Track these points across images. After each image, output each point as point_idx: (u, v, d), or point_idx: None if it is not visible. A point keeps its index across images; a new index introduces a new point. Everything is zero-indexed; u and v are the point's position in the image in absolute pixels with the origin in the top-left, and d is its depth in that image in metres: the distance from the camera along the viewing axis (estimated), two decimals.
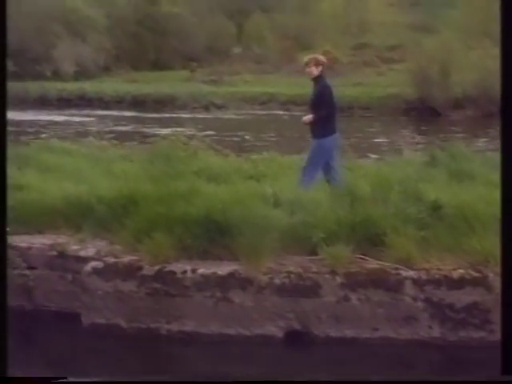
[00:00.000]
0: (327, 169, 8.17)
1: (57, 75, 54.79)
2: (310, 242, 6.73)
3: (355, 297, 6.35)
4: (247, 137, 27.84)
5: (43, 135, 24.72)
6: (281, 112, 41.83)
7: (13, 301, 6.96)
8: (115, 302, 6.62)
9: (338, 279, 6.38)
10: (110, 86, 51.76)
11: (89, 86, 50.94)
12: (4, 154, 3.74)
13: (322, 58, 8.42)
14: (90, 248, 6.98)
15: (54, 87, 50.09)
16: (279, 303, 6.43)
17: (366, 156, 12.28)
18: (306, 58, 8.41)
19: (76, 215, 7.47)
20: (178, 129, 17.05)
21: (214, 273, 6.52)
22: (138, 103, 47.30)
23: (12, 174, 8.89)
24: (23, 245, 7.08)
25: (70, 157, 10.80)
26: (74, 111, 42.60)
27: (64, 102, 47.43)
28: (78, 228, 7.33)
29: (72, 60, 56.26)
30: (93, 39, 59.03)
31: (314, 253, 6.67)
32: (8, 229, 7.23)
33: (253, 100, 46.03)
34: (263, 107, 44.97)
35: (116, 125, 33.92)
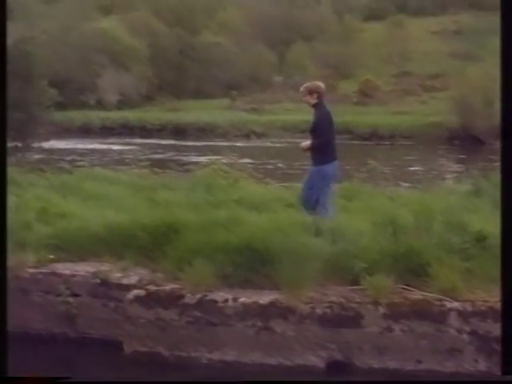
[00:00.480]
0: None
1: (100, 104, 55.73)
2: (351, 272, 6.67)
3: (398, 328, 6.25)
4: (280, 165, 27.93)
5: (79, 163, 25.15)
6: None
7: (57, 328, 7.05)
8: (157, 331, 6.62)
9: (381, 310, 6.30)
10: (152, 114, 52.47)
11: (131, 115, 51.68)
12: (4, 177, 3.77)
13: (315, 85, 8.35)
14: (132, 276, 7.01)
15: (97, 116, 50.92)
16: (321, 333, 6.37)
17: (398, 184, 12.27)
18: (301, 88, 8.37)
19: (118, 243, 7.52)
20: (213, 157, 17.13)
21: (255, 302, 6.49)
22: (179, 131, 47.79)
23: (56, 201, 9.04)
24: (67, 272, 7.14)
25: (112, 185, 10.90)
26: (114, 139, 43.21)
27: (107, 131, 48.17)
28: (121, 256, 7.37)
29: (115, 89, 57.18)
30: (136, 69, 60.00)
31: (355, 283, 6.60)
32: (52, 256, 7.36)
33: (293, 128, 46.17)
34: (303, 135, 45.03)
35: (154, 153, 34.34)
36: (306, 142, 8.30)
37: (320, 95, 8.27)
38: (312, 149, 8.20)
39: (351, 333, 6.32)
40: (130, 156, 29.78)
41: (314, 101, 8.27)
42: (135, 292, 6.76)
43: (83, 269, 7.19)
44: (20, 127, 20.39)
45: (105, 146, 38.81)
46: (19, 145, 20.76)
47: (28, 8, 67.62)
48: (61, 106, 40.15)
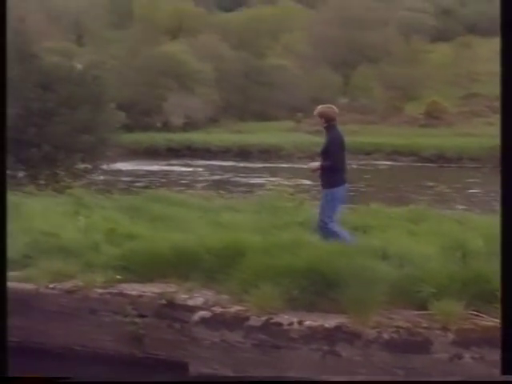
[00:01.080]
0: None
1: (166, 127, 56.54)
2: (419, 297, 6.55)
3: (469, 355, 6.10)
4: None
5: (138, 184, 25.52)
6: (379, 162, 41.47)
7: (124, 348, 7.12)
8: (222, 353, 6.62)
9: (450, 336, 6.16)
10: (216, 136, 52.95)
11: (196, 137, 52.27)
12: (4, 183, 3.84)
13: (324, 109, 8.43)
14: (197, 297, 7.04)
15: (163, 138, 51.67)
16: (388, 358, 6.26)
17: (454, 208, 12.10)
18: (314, 112, 8.51)
19: (184, 265, 7.57)
20: (274, 178, 17.09)
21: (321, 325, 6.43)
22: (243, 153, 48.07)
23: (123, 223, 9.19)
24: (134, 293, 7.22)
25: (177, 206, 11.01)
26: (179, 161, 43.74)
27: (172, 153, 48.79)
28: (187, 277, 7.42)
29: (181, 112, 57.96)
30: (201, 91, 60.73)
31: (423, 307, 6.48)
32: (119, 277, 7.46)
33: (357, 150, 45.88)
34: (367, 157, 44.70)
35: (217, 174, 34.59)
36: (315, 163, 8.40)
37: (330, 119, 8.36)
38: (321, 171, 8.26)
39: (419, 359, 6.19)
40: (195, 178, 30.04)
41: (323, 124, 8.40)
42: (201, 313, 6.79)
43: (150, 290, 7.26)
44: (90, 149, 20.86)
45: (169, 168, 39.36)
46: (89, 166, 21.23)
47: (98, 34, 69.45)
48: (128, 129, 40.97)
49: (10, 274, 7.69)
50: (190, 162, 43.45)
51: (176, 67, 60.63)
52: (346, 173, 8.41)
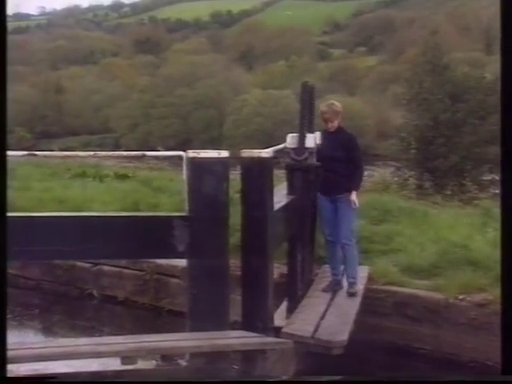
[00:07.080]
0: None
1: None
2: None
3: None
4: None
5: None
6: None
7: None
8: None
9: None
10: None
11: None
12: (4, 175, 3.71)
13: (339, 108, 7.49)
14: None
15: None
16: None
17: None
18: (325, 107, 7.39)
19: None
20: None
21: None
22: None
23: None
24: None
25: None
26: None
27: None
28: None
29: None
30: None
31: None
32: None
33: None
34: None
35: None
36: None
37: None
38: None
39: None
40: None
41: (335, 124, 7.44)
42: None
43: None
44: (497, 160, 20.37)
45: None
46: (496, 178, 20.74)
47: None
48: None
49: (420, 282, 7.90)
50: None
51: None
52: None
